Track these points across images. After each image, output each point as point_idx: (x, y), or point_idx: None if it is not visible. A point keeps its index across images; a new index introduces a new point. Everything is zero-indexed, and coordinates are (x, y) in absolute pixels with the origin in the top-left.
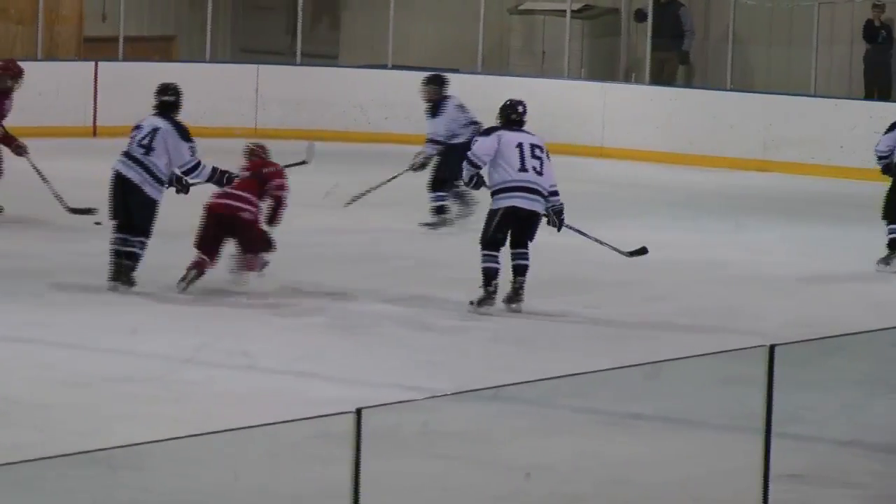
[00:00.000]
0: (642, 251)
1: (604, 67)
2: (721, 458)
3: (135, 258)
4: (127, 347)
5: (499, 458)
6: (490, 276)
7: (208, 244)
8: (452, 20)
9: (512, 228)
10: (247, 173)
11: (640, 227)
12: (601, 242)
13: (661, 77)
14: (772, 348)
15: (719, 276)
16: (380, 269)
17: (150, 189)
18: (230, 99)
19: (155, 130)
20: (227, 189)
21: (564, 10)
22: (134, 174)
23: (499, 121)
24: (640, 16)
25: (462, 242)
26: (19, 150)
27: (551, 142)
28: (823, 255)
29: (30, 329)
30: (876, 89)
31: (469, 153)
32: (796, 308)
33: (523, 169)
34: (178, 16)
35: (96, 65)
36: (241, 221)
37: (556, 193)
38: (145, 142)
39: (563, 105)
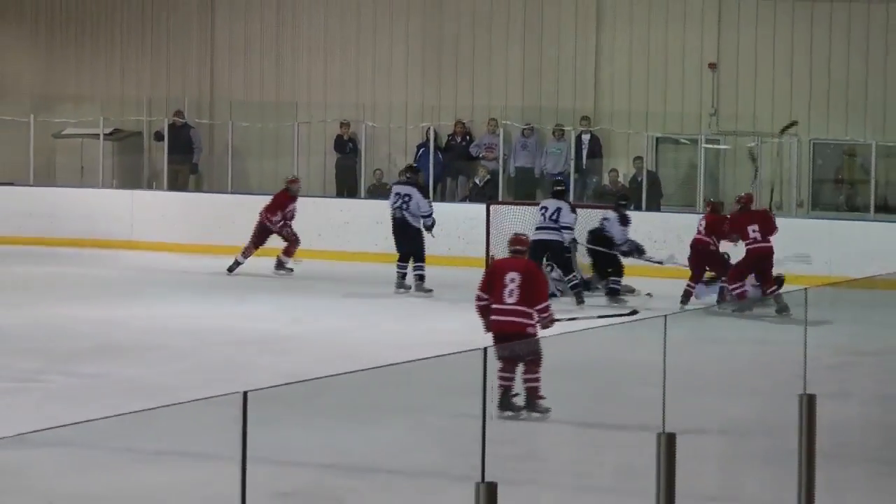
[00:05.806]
0: None
1: (131, 178)
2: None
3: None
4: None
5: None
6: None
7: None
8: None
9: None
10: None
11: (165, 304)
12: None
13: (177, 184)
14: (245, 394)
15: (227, 339)
16: None
17: None
18: None
19: None
20: None
21: (98, 134)
22: None
23: None
24: (158, 136)
25: None
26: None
27: (93, 238)
28: (311, 319)
29: None
30: (346, 189)
31: None
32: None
33: None
34: None
35: None
36: None
37: None
38: None
39: (100, 209)
